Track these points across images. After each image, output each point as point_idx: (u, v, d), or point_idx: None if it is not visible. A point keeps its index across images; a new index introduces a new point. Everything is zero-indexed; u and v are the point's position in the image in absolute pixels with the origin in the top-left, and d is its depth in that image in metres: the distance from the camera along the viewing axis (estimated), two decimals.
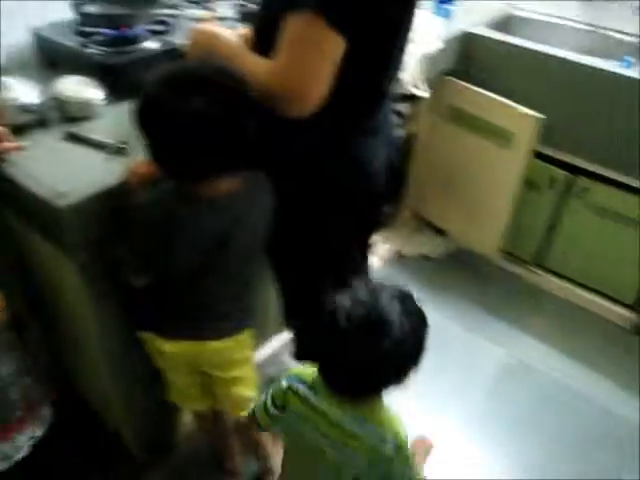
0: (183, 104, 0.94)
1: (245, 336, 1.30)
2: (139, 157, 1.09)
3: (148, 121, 1.00)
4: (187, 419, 1.64)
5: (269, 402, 1.10)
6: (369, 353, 0.92)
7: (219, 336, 1.23)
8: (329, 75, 1.02)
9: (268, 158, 1.16)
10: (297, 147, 1.17)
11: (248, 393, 1.34)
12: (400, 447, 1.02)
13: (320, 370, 1.00)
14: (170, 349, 1.23)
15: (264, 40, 1.09)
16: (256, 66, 1.06)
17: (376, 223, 1.52)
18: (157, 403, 1.44)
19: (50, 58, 1.52)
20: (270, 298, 1.60)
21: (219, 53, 1.17)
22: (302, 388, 1.05)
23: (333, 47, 1.00)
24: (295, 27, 0.99)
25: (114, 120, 1.27)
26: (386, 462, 1.02)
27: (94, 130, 1.23)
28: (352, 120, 1.19)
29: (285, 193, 1.19)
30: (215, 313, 1.23)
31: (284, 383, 1.07)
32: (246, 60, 1.09)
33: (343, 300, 0.94)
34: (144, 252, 1.11)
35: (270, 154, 1.16)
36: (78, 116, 1.27)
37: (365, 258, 1.56)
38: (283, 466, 1.24)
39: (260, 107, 1.01)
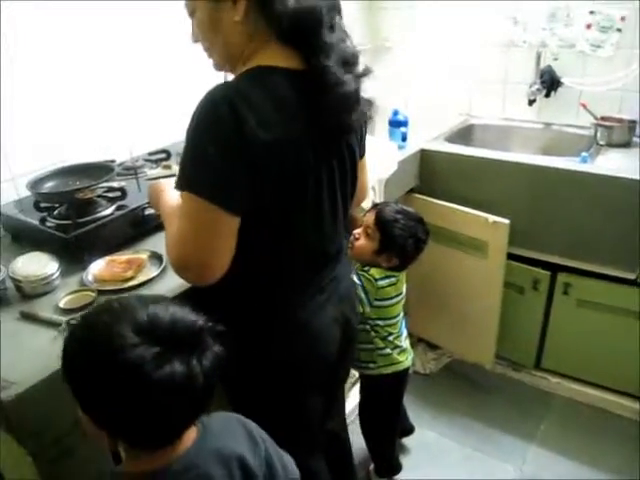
0: (160, 368, 0.75)
1: None
2: None
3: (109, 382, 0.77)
4: None
5: None
6: None
7: None
8: (221, 249, 1.01)
9: None
10: (235, 319, 1.13)
11: None
12: None
13: None
14: None
15: None
16: (169, 236, 1.08)
17: (335, 375, 1.46)
18: None
19: (13, 234, 1.56)
20: None
21: (161, 213, 1.23)
22: None
23: (218, 223, 0.99)
24: (182, 203, 1.01)
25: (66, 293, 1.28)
26: None
27: (47, 307, 1.23)
28: (291, 285, 1.17)
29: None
30: None
31: None
32: (170, 227, 1.11)
33: None
34: None
35: None
36: (33, 294, 1.28)
37: (333, 406, 1.52)
38: None
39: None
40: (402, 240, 1.70)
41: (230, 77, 1.57)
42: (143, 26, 1.85)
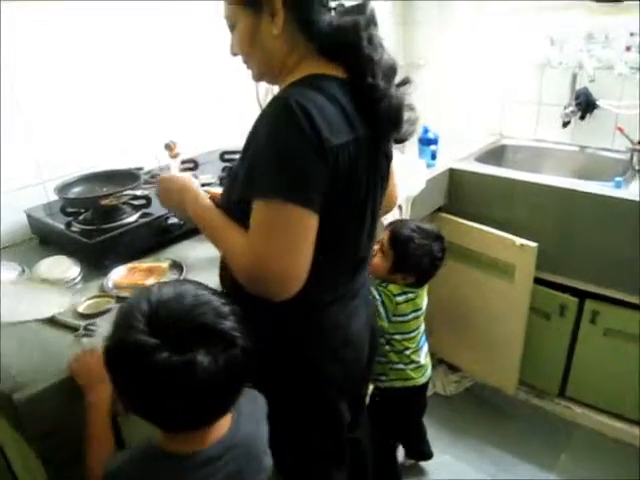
0: (186, 359, 0.80)
1: None
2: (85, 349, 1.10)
3: (133, 373, 0.82)
4: None
5: None
6: None
7: None
8: (307, 253, 0.99)
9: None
10: (272, 324, 1.13)
11: None
12: None
13: None
14: None
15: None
16: (236, 248, 1.02)
17: (363, 381, 1.47)
18: None
19: (40, 236, 1.60)
20: None
21: (198, 218, 1.16)
22: None
23: (306, 226, 0.97)
24: (266, 212, 0.96)
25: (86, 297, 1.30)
26: None
27: (66, 311, 1.24)
28: (332, 289, 1.16)
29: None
30: None
31: None
32: (227, 236, 1.06)
33: None
34: None
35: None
36: None
37: (360, 411, 1.50)
38: None
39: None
40: (416, 260, 1.69)
41: (262, 88, 1.58)
42: (175, 36, 1.88)
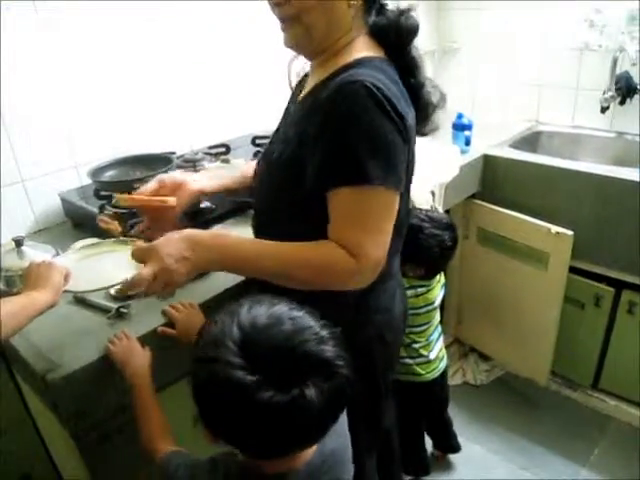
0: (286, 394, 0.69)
1: None
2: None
3: (229, 405, 0.71)
4: None
5: None
6: None
7: None
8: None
9: None
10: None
11: None
12: None
13: None
14: None
15: (281, 213, 1.08)
16: (334, 258, 0.96)
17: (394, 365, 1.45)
18: None
19: (74, 219, 1.62)
20: None
21: (233, 263, 1.03)
22: None
23: (395, 208, 0.99)
24: (361, 199, 0.95)
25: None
26: None
27: (99, 293, 1.25)
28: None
29: None
30: None
31: None
32: (317, 255, 0.98)
33: None
34: None
35: None
36: None
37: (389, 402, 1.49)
38: None
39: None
40: (426, 250, 1.65)
41: (294, 74, 1.55)
42: (207, 22, 1.87)
